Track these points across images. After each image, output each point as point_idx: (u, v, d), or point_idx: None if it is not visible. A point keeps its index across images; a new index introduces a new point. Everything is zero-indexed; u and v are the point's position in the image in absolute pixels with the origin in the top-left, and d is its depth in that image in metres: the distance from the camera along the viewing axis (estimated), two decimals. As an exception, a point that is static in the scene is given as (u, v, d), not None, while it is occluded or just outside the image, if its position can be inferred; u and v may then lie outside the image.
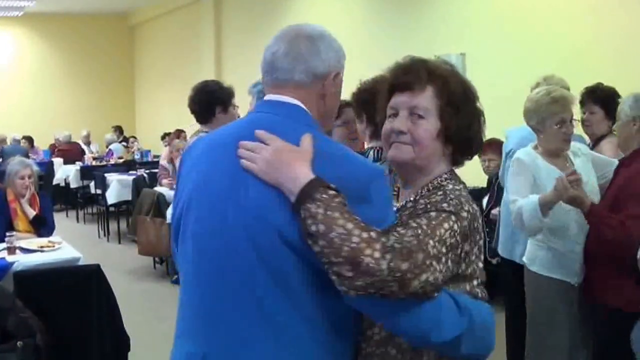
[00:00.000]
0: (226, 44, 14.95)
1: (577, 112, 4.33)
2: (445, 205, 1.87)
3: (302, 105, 1.94)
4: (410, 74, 2.02)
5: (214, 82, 5.16)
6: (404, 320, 1.74)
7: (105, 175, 11.72)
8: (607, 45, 6.68)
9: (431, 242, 1.74)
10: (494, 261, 6.82)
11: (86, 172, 13.16)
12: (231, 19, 14.77)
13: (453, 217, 1.83)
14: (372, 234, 1.67)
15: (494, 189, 6.77)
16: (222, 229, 1.85)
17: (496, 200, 6.50)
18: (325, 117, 2.03)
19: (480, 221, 1.95)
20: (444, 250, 1.76)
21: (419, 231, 1.75)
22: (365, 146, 3.43)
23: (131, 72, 20.90)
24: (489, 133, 6.77)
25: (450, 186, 1.97)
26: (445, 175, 2.02)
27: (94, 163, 14.15)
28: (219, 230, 1.87)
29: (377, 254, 1.64)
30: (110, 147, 15.64)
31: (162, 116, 18.04)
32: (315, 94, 1.96)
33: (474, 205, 1.94)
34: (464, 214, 1.87)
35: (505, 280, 4.91)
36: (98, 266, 4.84)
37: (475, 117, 2.05)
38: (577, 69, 6.01)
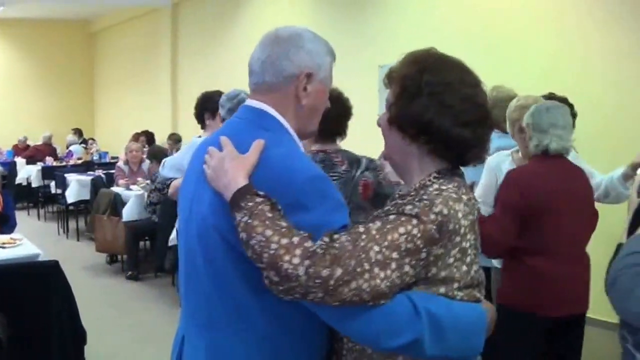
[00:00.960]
0: (182, 52, 14.91)
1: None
2: (409, 207, 1.71)
3: (269, 109, 1.92)
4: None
5: (215, 92, 5.17)
6: (349, 325, 1.67)
7: (65, 175, 11.58)
8: (545, 53, 6.87)
9: (376, 247, 1.62)
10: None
11: (47, 172, 12.99)
12: (187, 27, 14.72)
13: (414, 221, 1.67)
14: (295, 239, 1.61)
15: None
16: (187, 227, 1.94)
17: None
18: (307, 117, 1.97)
19: (466, 221, 1.77)
20: (395, 255, 1.63)
21: (364, 236, 1.64)
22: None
23: (91, 77, 20.65)
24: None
25: (436, 185, 1.80)
26: (435, 174, 1.84)
27: (54, 163, 14.01)
28: (185, 227, 1.97)
29: (295, 260, 1.58)
30: (71, 148, 15.48)
31: (119, 119, 17.97)
32: (288, 95, 1.92)
33: (458, 206, 1.75)
34: (432, 217, 1.68)
35: None
36: (57, 262, 4.82)
37: (430, 102, 1.81)
38: (527, 80, 6.16)
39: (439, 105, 1.80)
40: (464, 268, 1.78)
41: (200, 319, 1.91)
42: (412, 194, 1.81)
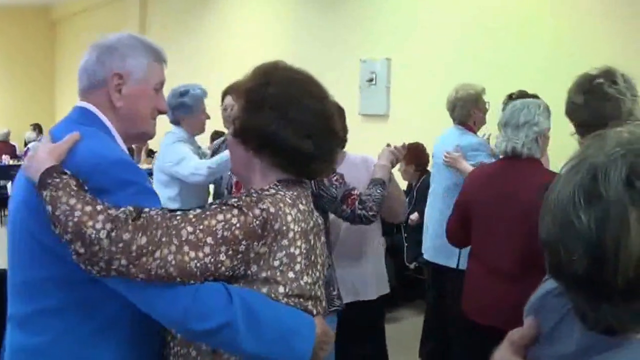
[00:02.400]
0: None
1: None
2: (234, 200, 1.85)
3: (91, 107, 2.14)
4: None
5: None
6: (156, 304, 1.77)
7: (23, 175, 11.45)
8: (533, 54, 6.88)
9: (190, 228, 1.74)
10: (412, 266, 7.07)
11: (3, 172, 12.95)
12: (156, 15, 14.77)
13: (235, 211, 1.79)
14: (98, 207, 1.74)
15: (414, 194, 6.96)
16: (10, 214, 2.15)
17: (414, 205, 6.74)
18: (128, 119, 2.16)
19: (297, 227, 1.89)
20: (209, 240, 1.74)
21: (178, 218, 1.77)
22: None
23: (52, 68, 20.62)
24: (411, 138, 6.96)
25: (273, 191, 1.94)
26: (276, 183, 1.98)
27: (11, 162, 13.95)
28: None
29: (98, 225, 1.70)
30: (29, 145, 15.37)
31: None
32: (103, 97, 2.14)
33: (289, 210, 1.89)
34: (256, 211, 1.81)
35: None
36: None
37: (273, 115, 1.96)
38: (501, 78, 6.22)
39: (282, 118, 1.94)
40: (291, 275, 1.88)
41: (10, 299, 2.16)
42: (244, 193, 1.94)
